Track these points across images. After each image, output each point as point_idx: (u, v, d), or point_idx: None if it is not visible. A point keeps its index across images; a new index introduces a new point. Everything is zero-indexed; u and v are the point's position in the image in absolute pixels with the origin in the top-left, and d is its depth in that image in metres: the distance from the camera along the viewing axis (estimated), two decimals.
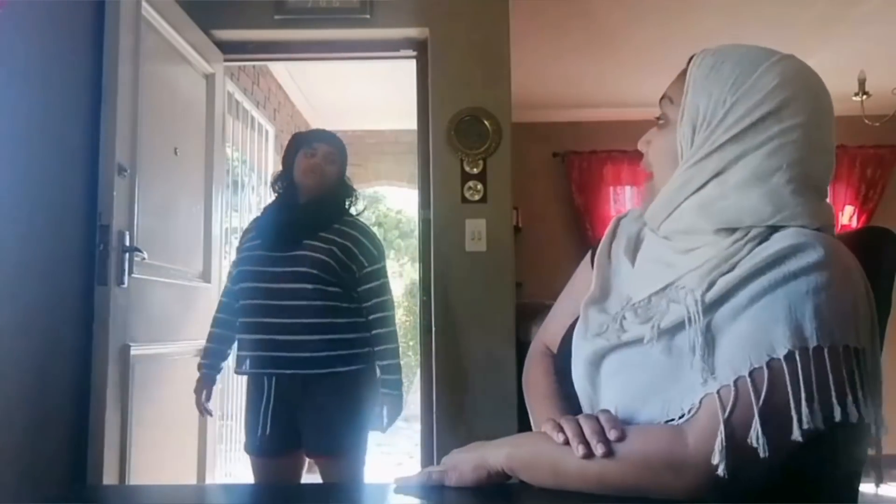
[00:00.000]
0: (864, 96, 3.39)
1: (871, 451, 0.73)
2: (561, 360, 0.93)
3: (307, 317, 1.94)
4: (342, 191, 2.14)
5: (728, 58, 0.82)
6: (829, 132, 0.82)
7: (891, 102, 3.56)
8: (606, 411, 0.76)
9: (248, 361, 2.02)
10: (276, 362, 1.96)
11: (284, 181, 2.13)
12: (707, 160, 0.80)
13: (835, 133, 0.83)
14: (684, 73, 0.85)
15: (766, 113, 0.78)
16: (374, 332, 2.03)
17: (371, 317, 2.03)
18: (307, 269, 1.94)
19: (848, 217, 4.60)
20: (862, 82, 3.39)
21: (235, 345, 2.12)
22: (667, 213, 0.84)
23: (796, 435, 0.66)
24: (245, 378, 2.20)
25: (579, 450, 0.71)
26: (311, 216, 2.03)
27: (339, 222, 2.04)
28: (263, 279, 1.97)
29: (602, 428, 0.72)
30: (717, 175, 0.79)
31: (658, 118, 0.88)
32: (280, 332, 1.95)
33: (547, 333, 1.05)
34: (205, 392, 2.13)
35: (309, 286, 1.94)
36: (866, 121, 3.49)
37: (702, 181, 0.80)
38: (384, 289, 2.07)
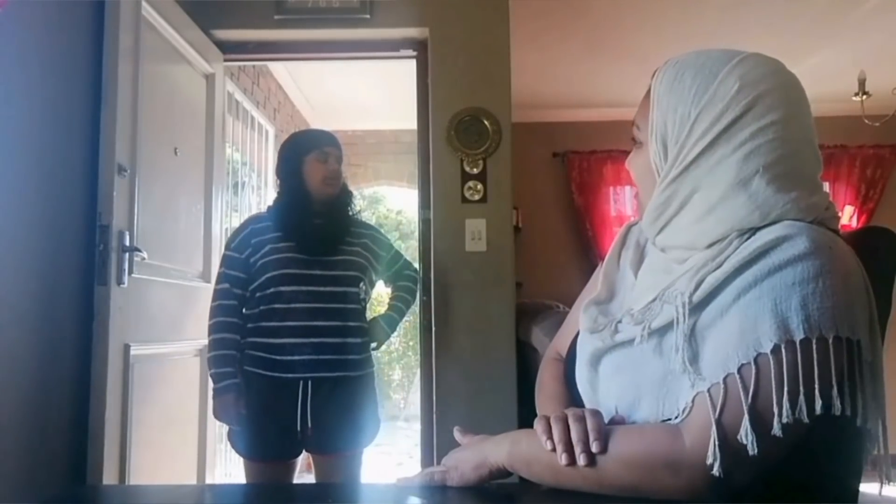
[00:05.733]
0: (864, 96, 3.39)
1: (874, 452, 0.73)
2: (568, 366, 0.94)
3: (352, 320, 2.03)
4: (348, 192, 2.17)
5: (687, 68, 0.81)
6: (806, 123, 0.80)
7: (891, 102, 3.56)
8: (597, 413, 0.75)
9: (280, 364, 1.95)
10: (318, 365, 1.96)
11: (294, 186, 2.06)
12: (684, 176, 0.79)
13: (812, 122, 0.81)
14: (649, 91, 0.84)
15: (733, 119, 0.76)
16: (402, 291, 2.26)
17: (400, 282, 2.28)
18: (353, 272, 2.04)
19: (848, 217, 4.60)
20: (862, 82, 3.39)
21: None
22: (658, 229, 0.84)
23: (776, 430, 0.66)
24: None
25: (563, 458, 0.72)
26: (342, 221, 2.10)
27: (353, 224, 2.14)
28: (307, 282, 1.97)
29: (587, 437, 0.72)
30: (698, 189, 0.79)
31: (633, 139, 0.89)
32: (327, 335, 1.98)
33: (559, 339, 1.06)
34: (239, 403, 1.95)
35: (352, 289, 2.04)
36: (866, 121, 3.49)
37: (684, 196, 0.80)
38: (406, 262, 2.33)
